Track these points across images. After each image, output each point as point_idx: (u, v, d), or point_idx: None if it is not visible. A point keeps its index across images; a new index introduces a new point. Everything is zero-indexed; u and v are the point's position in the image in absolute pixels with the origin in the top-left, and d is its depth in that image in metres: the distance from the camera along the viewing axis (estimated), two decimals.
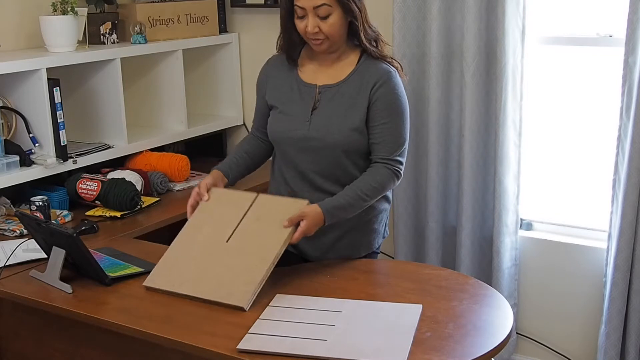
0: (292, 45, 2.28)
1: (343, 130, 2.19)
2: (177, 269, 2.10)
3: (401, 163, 2.22)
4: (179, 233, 2.21)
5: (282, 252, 2.05)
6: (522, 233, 3.15)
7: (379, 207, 2.32)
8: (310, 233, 2.09)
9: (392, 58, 2.26)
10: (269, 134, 2.34)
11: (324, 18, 2.12)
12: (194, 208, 2.24)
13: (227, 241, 2.12)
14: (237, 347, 1.74)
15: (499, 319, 1.91)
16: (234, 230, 2.13)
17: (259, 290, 1.97)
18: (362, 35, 2.18)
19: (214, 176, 2.31)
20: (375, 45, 2.22)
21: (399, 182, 2.24)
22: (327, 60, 2.26)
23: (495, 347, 1.76)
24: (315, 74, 2.27)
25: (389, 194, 2.33)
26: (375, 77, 2.19)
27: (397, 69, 2.24)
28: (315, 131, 2.21)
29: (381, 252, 2.73)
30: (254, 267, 2.01)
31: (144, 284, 2.09)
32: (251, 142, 2.44)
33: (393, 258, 3.32)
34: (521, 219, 3.14)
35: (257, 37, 3.60)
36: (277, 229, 2.07)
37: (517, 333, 3.19)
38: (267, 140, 2.39)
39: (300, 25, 2.17)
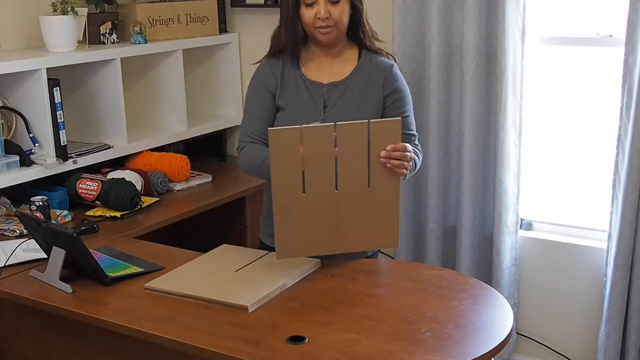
0: (296, 41, 2.25)
1: None
2: (181, 278, 2.13)
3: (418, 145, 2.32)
4: (186, 264, 2.23)
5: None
6: (522, 233, 3.15)
7: None
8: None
9: (387, 52, 2.33)
10: None
11: (335, 3, 2.17)
12: None
13: (235, 271, 2.15)
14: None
15: (499, 319, 1.90)
16: (244, 266, 2.17)
17: (266, 299, 1.98)
18: (365, 25, 2.25)
19: None
20: (371, 40, 2.30)
21: None
22: (328, 56, 2.28)
23: (495, 347, 1.76)
24: (318, 72, 2.28)
25: None
26: (383, 72, 2.26)
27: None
28: None
29: (381, 251, 2.73)
30: (265, 283, 2.04)
31: (145, 286, 2.09)
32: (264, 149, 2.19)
33: (393, 258, 3.32)
34: (521, 219, 3.14)
35: (257, 37, 3.59)
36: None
37: (517, 333, 3.19)
38: None
39: (308, 13, 2.18)
